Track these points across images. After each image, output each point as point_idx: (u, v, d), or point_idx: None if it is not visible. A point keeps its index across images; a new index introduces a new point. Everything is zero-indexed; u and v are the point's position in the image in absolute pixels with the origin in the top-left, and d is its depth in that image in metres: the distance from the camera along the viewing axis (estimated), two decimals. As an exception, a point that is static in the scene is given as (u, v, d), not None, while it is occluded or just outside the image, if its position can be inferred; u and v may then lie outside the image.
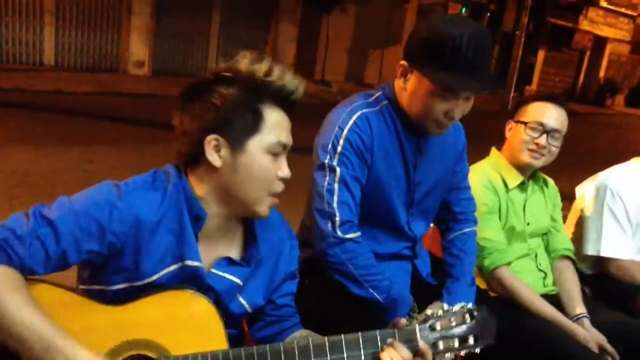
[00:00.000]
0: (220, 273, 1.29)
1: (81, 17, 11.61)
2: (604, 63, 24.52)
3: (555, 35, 21.24)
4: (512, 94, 16.63)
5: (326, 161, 1.64)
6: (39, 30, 11.17)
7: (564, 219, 2.38)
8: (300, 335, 1.39)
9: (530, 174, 2.19)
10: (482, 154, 2.25)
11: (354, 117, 1.66)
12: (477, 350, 1.29)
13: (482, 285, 2.06)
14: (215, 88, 1.21)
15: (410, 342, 1.23)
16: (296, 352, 1.18)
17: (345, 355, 1.19)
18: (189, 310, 1.20)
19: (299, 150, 1.76)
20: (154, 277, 1.22)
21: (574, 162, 3.64)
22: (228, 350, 1.17)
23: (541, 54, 21.95)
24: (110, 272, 1.20)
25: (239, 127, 1.21)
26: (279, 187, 1.28)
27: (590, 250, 2.33)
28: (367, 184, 1.70)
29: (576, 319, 1.99)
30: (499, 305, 1.93)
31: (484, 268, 2.02)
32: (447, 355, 1.26)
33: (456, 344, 1.27)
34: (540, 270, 2.15)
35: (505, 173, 2.14)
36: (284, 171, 1.27)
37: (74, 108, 8.07)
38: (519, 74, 17.60)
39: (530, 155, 2.08)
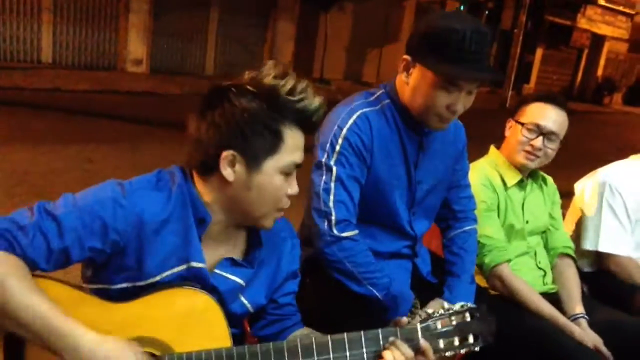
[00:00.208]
0: (223, 273, 1.30)
1: (79, 14, 11.58)
2: (602, 61, 24.56)
3: (553, 34, 21.26)
4: (510, 92, 16.66)
5: (324, 160, 1.65)
6: (37, 28, 11.14)
7: (563, 216, 2.39)
8: (302, 334, 1.40)
9: (529, 172, 2.20)
10: (481, 152, 2.25)
11: (354, 117, 1.66)
12: (477, 348, 1.31)
13: (482, 283, 2.06)
14: (236, 100, 1.18)
15: (411, 340, 1.25)
16: (299, 350, 1.19)
17: (347, 353, 1.21)
18: (193, 307, 1.21)
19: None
20: (157, 278, 1.22)
21: (572, 160, 3.65)
22: (232, 348, 1.18)
23: (539, 52, 21.97)
24: (113, 271, 1.21)
25: (257, 146, 1.19)
26: (287, 203, 1.29)
27: (588, 245, 2.35)
28: (367, 183, 1.70)
29: (574, 318, 2.00)
30: (498, 303, 1.94)
31: (484, 265, 2.03)
32: (448, 353, 1.28)
33: (456, 342, 1.29)
34: (540, 268, 2.16)
35: (503, 171, 2.15)
36: (294, 189, 1.27)
37: (72, 106, 8.05)
38: (517, 72, 17.62)
39: (525, 156, 2.09)
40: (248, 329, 1.48)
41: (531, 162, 2.09)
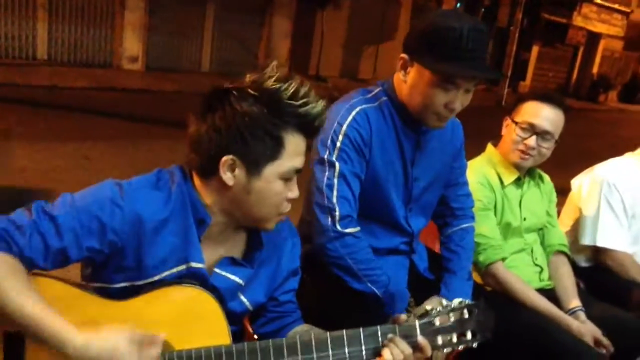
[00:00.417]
0: (222, 272, 1.30)
1: (74, 11, 11.51)
2: (598, 59, 24.59)
3: (549, 31, 21.27)
4: (506, 90, 16.67)
5: (325, 156, 1.66)
6: (32, 24, 11.08)
7: (557, 214, 2.41)
8: (302, 330, 1.41)
9: (526, 170, 2.20)
10: (477, 149, 2.26)
11: (353, 113, 1.67)
12: (475, 344, 1.32)
13: (479, 280, 2.08)
14: (237, 103, 1.17)
15: (410, 337, 1.25)
16: (299, 347, 1.19)
17: (346, 350, 1.21)
18: (192, 305, 1.21)
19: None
20: (156, 278, 1.22)
21: (567, 157, 3.66)
22: (231, 345, 1.19)
23: (535, 50, 21.98)
24: (112, 270, 1.21)
25: (258, 152, 1.19)
26: (287, 207, 1.28)
27: (586, 240, 2.37)
28: (365, 179, 1.71)
29: (571, 312, 2.01)
30: (495, 299, 1.95)
31: (478, 264, 2.04)
32: (446, 349, 1.29)
33: (454, 338, 1.30)
34: (537, 264, 2.17)
35: (500, 169, 2.16)
36: (294, 193, 1.27)
37: (69, 103, 8.02)
38: (513, 70, 17.64)
39: (519, 155, 2.09)
40: (248, 326, 1.48)
41: (525, 161, 2.10)
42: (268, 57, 13.37)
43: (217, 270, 1.29)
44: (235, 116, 1.16)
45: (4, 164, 5.01)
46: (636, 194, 2.37)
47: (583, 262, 2.46)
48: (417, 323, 1.27)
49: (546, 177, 2.31)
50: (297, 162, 1.23)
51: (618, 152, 2.61)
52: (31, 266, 1.12)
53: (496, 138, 2.22)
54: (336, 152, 1.65)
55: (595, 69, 24.48)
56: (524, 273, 2.09)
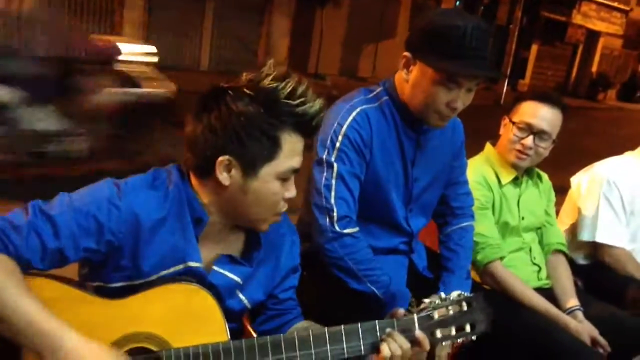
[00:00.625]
0: (221, 270, 1.30)
1: (73, 9, 11.52)
2: (597, 57, 24.62)
3: (548, 29, 21.29)
4: (505, 88, 16.68)
5: (324, 157, 1.65)
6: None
7: (556, 213, 2.41)
8: (302, 327, 1.41)
9: (524, 169, 2.20)
10: (475, 148, 2.25)
11: (354, 114, 1.67)
12: (474, 337, 1.32)
13: (477, 279, 2.08)
14: (233, 103, 1.15)
15: (408, 331, 1.25)
16: (296, 343, 1.19)
17: (344, 345, 1.21)
18: (190, 303, 1.21)
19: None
20: (153, 277, 1.22)
21: (565, 156, 3.66)
22: (229, 342, 1.19)
23: (534, 48, 21.99)
24: (110, 270, 1.21)
25: (254, 152, 1.17)
26: (284, 207, 1.28)
27: (585, 236, 2.38)
28: (366, 180, 1.71)
29: (569, 311, 2.01)
30: (493, 297, 1.95)
31: (476, 263, 2.04)
32: (445, 343, 1.29)
33: (453, 332, 1.29)
34: (535, 263, 2.17)
35: (498, 169, 2.16)
36: (291, 192, 1.26)
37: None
38: (512, 68, 17.65)
39: (516, 155, 2.09)
40: (247, 325, 1.48)
41: (522, 161, 2.10)
42: (267, 56, 13.34)
43: (215, 268, 1.29)
44: (230, 116, 1.15)
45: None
46: (635, 191, 2.38)
47: (581, 260, 2.47)
48: (415, 317, 1.27)
49: (545, 176, 2.31)
50: (295, 162, 1.22)
51: (617, 150, 2.62)
52: (27, 266, 1.12)
53: (495, 136, 2.21)
54: (335, 152, 1.65)
55: (594, 68, 24.50)
56: (522, 272, 2.09)
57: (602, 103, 23.56)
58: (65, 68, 4.61)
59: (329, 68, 15.21)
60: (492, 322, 1.34)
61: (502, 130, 2.17)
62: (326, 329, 1.22)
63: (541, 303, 1.98)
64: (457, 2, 16.36)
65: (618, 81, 25.71)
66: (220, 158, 1.17)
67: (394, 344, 1.22)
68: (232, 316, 1.32)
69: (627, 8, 23.98)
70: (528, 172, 2.23)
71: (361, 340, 1.23)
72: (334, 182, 1.64)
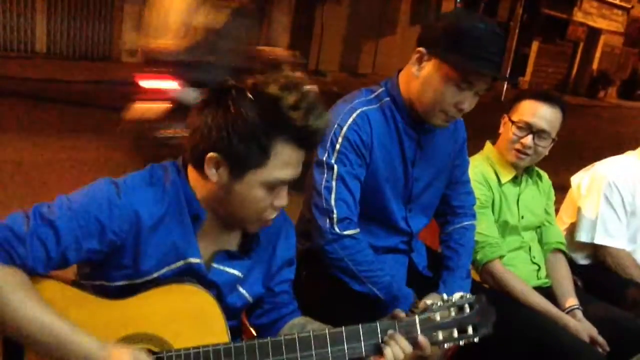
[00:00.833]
0: (220, 267, 1.30)
1: (73, 4, 11.47)
2: (598, 55, 24.57)
3: (549, 27, 21.24)
4: (505, 86, 16.65)
5: (324, 158, 1.65)
6: (31, 17, 11.03)
7: (556, 212, 2.41)
8: (299, 323, 1.41)
9: (524, 168, 2.20)
10: (474, 145, 2.25)
11: (354, 115, 1.66)
12: (476, 339, 1.31)
13: (477, 278, 2.08)
14: (233, 105, 1.14)
15: (409, 333, 1.25)
16: (297, 344, 1.19)
17: (345, 346, 1.21)
18: (191, 303, 1.21)
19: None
20: (155, 275, 1.22)
21: (565, 153, 3.67)
22: (230, 343, 1.19)
23: (535, 45, 21.94)
24: (111, 268, 1.21)
25: (242, 156, 1.16)
26: (272, 214, 1.26)
27: (584, 237, 2.38)
28: (365, 180, 1.70)
29: (569, 310, 2.02)
30: (492, 296, 1.95)
31: (476, 261, 2.04)
32: (447, 345, 1.28)
33: (455, 334, 1.29)
34: (534, 262, 2.18)
35: (498, 168, 2.16)
36: (281, 201, 1.24)
37: (68, 97, 7.99)
38: (512, 65, 17.61)
39: (515, 154, 2.09)
40: (245, 320, 1.48)
41: (521, 160, 2.10)
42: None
43: (215, 265, 1.29)
44: (227, 118, 1.14)
45: (2, 157, 4.99)
46: (636, 192, 2.37)
47: (581, 260, 2.47)
48: (417, 319, 1.26)
49: (544, 175, 2.31)
50: (285, 173, 1.19)
51: (617, 148, 2.61)
52: (32, 273, 1.13)
53: (495, 134, 2.21)
54: (335, 154, 1.64)
55: (595, 65, 24.46)
56: (521, 271, 2.09)
57: (602, 101, 23.53)
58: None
59: (329, 64, 15.17)
60: (494, 324, 1.33)
61: (501, 129, 2.17)
62: (327, 329, 1.22)
63: (540, 302, 1.98)
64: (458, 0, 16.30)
65: (619, 79, 25.66)
66: (210, 154, 1.17)
67: (397, 348, 1.22)
68: (233, 312, 1.33)
69: (628, 5, 23.94)
70: (528, 171, 2.23)
71: (362, 342, 1.22)
72: (334, 183, 1.64)
